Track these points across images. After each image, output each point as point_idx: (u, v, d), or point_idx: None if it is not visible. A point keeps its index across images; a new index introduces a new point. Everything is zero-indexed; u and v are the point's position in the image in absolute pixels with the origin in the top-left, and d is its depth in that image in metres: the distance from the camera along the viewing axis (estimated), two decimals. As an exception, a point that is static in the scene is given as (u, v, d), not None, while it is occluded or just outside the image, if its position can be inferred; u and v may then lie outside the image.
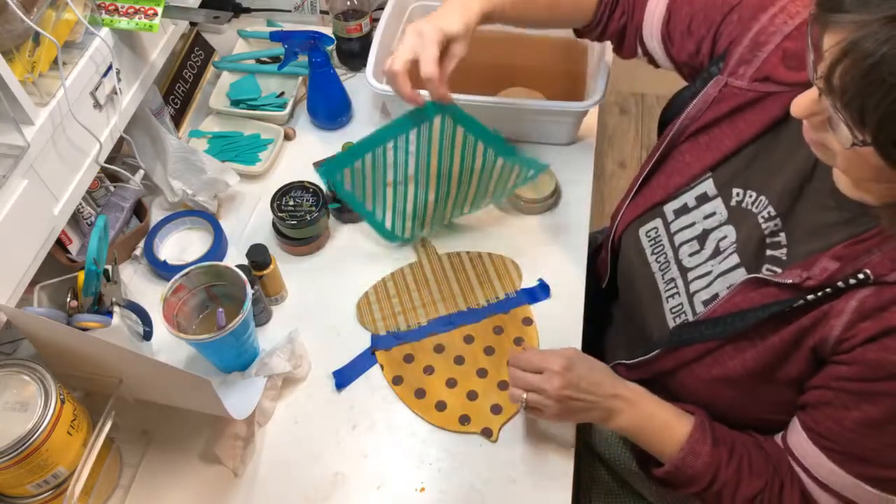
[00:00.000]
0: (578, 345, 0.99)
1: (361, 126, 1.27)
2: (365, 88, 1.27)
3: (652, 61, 0.99)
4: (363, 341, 1.01)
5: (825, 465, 0.72)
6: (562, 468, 0.89)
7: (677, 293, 0.87)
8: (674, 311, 0.87)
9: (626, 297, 1.00)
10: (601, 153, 2.25)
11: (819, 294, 0.69)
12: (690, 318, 0.84)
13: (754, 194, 0.80)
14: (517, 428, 0.93)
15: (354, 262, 1.10)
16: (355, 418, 0.94)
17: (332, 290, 1.06)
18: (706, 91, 0.85)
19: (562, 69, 1.29)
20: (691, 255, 0.86)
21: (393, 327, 1.02)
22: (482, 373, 0.97)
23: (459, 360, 0.98)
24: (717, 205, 0.84)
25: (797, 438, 0.75)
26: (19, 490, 0.77)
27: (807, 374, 0.73)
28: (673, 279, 0.88)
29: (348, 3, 1.27)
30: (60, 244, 1.00)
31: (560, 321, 1.02)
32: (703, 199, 0.86)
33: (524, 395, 0.82)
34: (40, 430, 0.73)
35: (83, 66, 0.88)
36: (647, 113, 2.34)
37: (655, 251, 0.91)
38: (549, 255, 1.09)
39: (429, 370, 0.97)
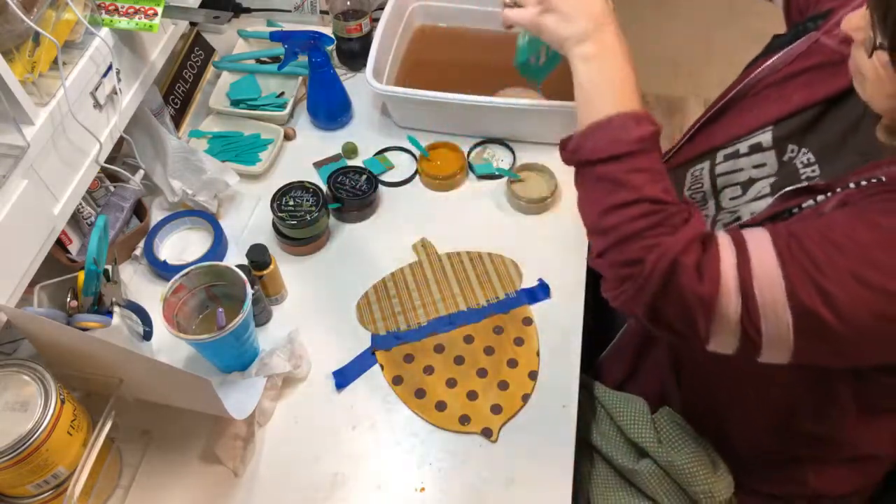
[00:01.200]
0: (578, 345, 0.99)
1: (361, 126, 1.27)
2: (365, 88, 1.27)
3: None
4: (363, 341, 1.01)
5: (758, 235, 0.68)
6: (562, 468, 0.89)
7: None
8: None
9: None
10: (601, 153, 2.24)
11: (829, 194, 0.69)
12: None
13: (806, 150, 0.81)
14: (517, 428, 0.93)
15: (354, 262, 1.10)
16: (355, 418, 0.94)
17: (332, 290, 1.06)
18: (797, 44, 0.85)
19: (561, 69, 1.29)
20: (732, 198, 0.87)
21: (393, 327, 1.02)
22: (482, 373, 0.97)
23: (459, 360, 0.98)
24: (769, 157, 0.84)
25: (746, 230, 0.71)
26: (19, 490, 0.77)
27: None
28: (707, 216, 0.88)
29: (348, 3, 1.27)
30: (60, 244, 1.00)
31: (560, 321, 1.02)
32: (756, 148, 0.86)
33: None
34: (40, 430, 0.73)
35: (83, 66, 0.88)
36: (647, 113, 2.34)
37: (692, 187, 0.91)
38: (549, 255, 1.09)
39: (429, 370, 0.97)
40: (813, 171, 0.79)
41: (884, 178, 0.66)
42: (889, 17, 0.58)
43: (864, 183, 0.67)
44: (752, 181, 0.86)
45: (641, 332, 0.96)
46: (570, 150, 0.77)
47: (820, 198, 0.71)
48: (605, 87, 0.75)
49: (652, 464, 0.94)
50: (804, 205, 0.72)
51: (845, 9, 0.82)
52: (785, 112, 0.83)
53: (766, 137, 0.85)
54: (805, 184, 0.73)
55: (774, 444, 0.90)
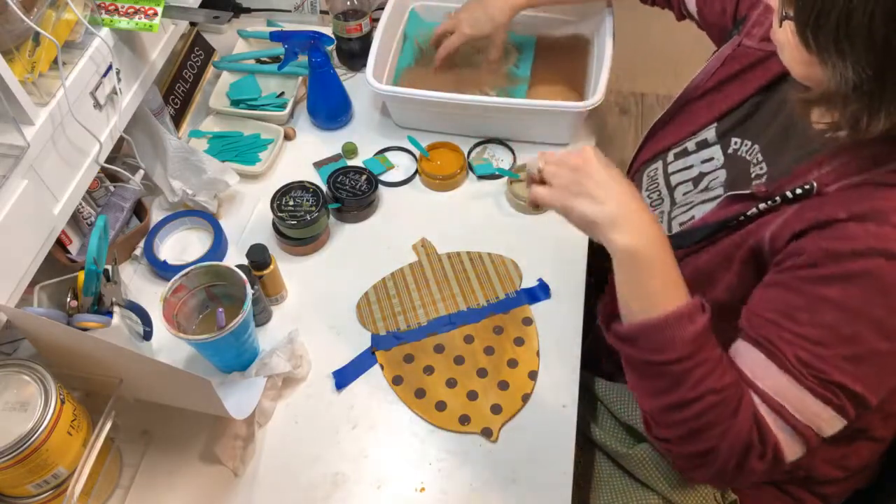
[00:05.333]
0: (578, 345, 0.99)
1: (361, 126, 1.27)
2: (365, 88, 1.27)
3: (697, 23, 1.08)
4: (363, 341, 1.01)
5: (755, 359, 0.70)
6: (562, 468, 0.89)
7: (661, 222, 0.93)
8: None
9: None
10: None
11: (769, 203, 0.74)
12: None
13: (749, 143, 0.86)
14: (517, 428, 0.93)
15: (354, 262, 1.10)
16: (355, 418, 0.94)
17: (332, 290, 1.06)
18: (722, 50, 0.93)
19: (562, 69, 1.29)
20: (685, 193, 0.92)
21: (393, 327, 1.02)
22: (482, 373, 0.97)
23: (459, 360, 0.98)
24: (716, 151, 0.90)
25: (734, 346, 0.74)
26: (19, 490, 0.77)
27: (741, 287, 0.77)
28: (662, 212, 0.94)
29: (348, 3, 1.27)
30: (60, 244, 1.00)
31: (560, 321, 1.02)
32: (703, 144, 0.92)
33: (541, 162, 0.77)
34: (40, 430, 0.73)
35: (83, 66, 0.88)
36: (647, 113, 2.34)
37: (649, 188, 0.98)
38: (549, 255, 1.09)
39: (429, 370, 0.97)
40: (761, 168, 0.84)
41: (815, 184, 0.70)
42: None
43: (798, 191, 0.71)
44: (702, 175, 0.91)
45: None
46: (623, 341, 0.74)
47: (762, 206, 0.75)
48: (649, 280, 0.71)
49: (647, 447, 0.96)
50: (749, 212, 0.76)
51: (756, 9, 0.89)
52: (724, 109, 0.90)
53: (710, 134, 0.92)
54: (749, 191, 0.78)
55: None
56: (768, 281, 0.72)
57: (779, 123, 0.83)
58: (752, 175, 0.84)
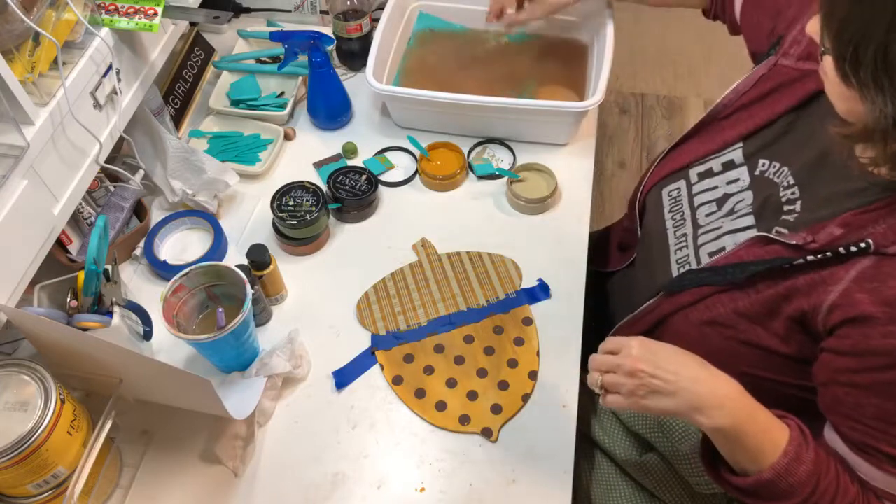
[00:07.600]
0: (578, 344, 0.99)
1: (361, 126, 1.27)
2: (365, 88, 1.27)
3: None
4: (363, 341, 1.01)
5: (869, 472, 0.71)
6: (562, 467, 0.89)
7: (686, 246, 0.90)
8: (679, 261, 0.90)
9: (641, 255, 1.04)
10: (601, 153, 2.25)
11: (819, 256, 0.70)
12: (694, 266, 0.86)
13: (778, 164, 0.84)
14: (517, 428, 0.93)
15: (354, 262, 1.10)
16: (355, 418, 0.94)
17: (332, 290, 1.06)
18: (756, 69, 0.90)
19: (562, 69, 1.29)
20: (708, 214, 0.90)
21: (393, 327, 1.02)
22: (482, 373, 0.97)
23: (459, 360, 0.98)
24: (742, 172, 0.88)
25: (837, 446, 0.74)
26: (19, 490, 0.77)
27: (791, 339, 0.75)
28: (685, 234, 0.91)
29: (348, 3, 1.27)
30: (60, 244, 1.00)
31: (560, 321, 1.02)
32: (729, 165, 0.90)
33: (599, 378, 0.75)
34: (40, 430, 0.73)
35: (83, 66, 0.88)
36: (647, 113, 2.34)
37: (673, 209, 0.95)
38: (549, 255, 1.09)
39: (429, 370, 0.97)
40: (793, 193, 0.80)
41: (871, 242, 0.67)
42: (831, 22, 0.62)
43: (853, 248, 0.68)
44: (726, 196, 0.89)
45: (636, 328, 0.98)
46: (746, 495, 0.75)
47: (810, 258, 0.71)
48: (747, 443, 0.71)
49: (655, 457, 0.95)
50: (795, 262, 0.73)
51: (794, 29, 0.87)
52: (752, 128, 0.88)
53: (737, 154, 0.90)
54: (794, 242, 0.74)
55: None
56: (850, 381, 0.70)
57: (814, 147, 0.79)
58: (783, 199, 0.81)
